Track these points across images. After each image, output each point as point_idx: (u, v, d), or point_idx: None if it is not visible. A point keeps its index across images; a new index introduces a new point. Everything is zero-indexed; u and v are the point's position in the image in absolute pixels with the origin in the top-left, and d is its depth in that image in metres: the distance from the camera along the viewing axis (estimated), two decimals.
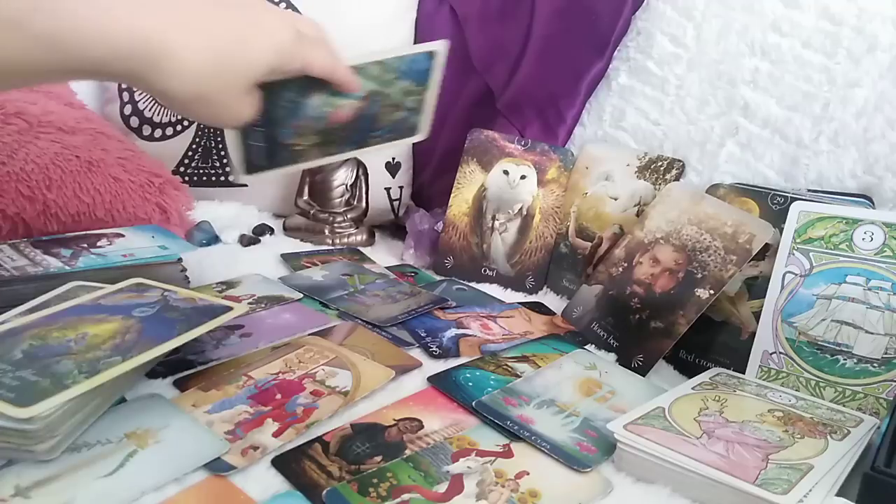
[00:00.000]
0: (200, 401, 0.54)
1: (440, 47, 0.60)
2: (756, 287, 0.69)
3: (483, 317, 0.76)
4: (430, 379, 0.61)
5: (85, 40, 0.39)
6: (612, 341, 0.72)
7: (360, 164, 1.01)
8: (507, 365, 0.64)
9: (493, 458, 0.50)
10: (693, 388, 0.60)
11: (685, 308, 0.68)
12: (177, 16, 0.42)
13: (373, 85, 0.58)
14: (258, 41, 0.46)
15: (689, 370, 0.70)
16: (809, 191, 0.75)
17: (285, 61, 0.48)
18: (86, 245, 0.71)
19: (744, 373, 0.66)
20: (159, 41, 0.41)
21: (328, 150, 0.61)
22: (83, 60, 0.39)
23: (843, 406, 0.59)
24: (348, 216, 1.00)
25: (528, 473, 0.49)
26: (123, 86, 1.04)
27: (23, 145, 0.77)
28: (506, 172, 0.91)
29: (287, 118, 0.56)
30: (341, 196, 1.00)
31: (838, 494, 0.46)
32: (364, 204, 1.02)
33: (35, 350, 0.49)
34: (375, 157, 1.04)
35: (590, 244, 0.87)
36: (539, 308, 0.83)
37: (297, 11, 1.01)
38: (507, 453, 0.51)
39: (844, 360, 0.61)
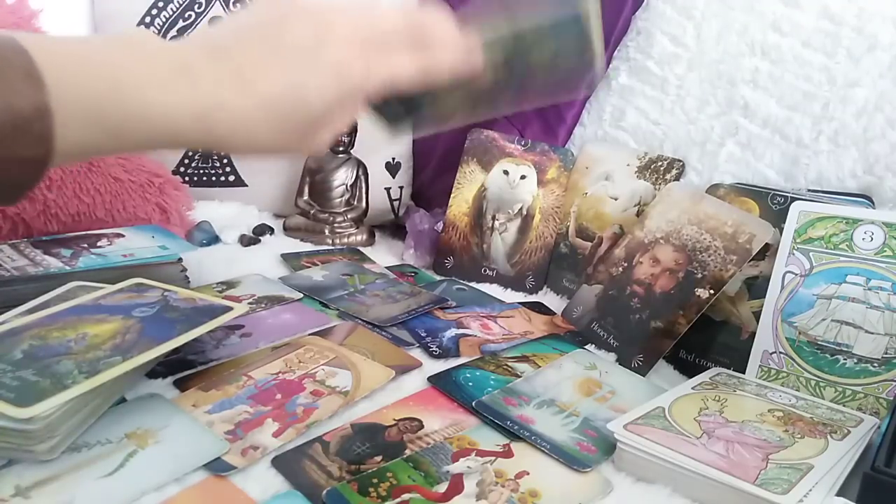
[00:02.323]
0: (200, 401, 0.54)
1: (588, 4, 0.49)
2: (756, 287, 0.69)
3: (483, 317, 0.76)
4: (430, 379, 0.61)
5: (152, 122, 0.39)
6: (612, 341, 0.72)
7: (360, 164, 1.01)
8: (507, 365, 0.64)
9: (493, 458, 0.50)
10: (693, 388, 0.60)
11: (685, 308, 0.68)
12: (233, 81, 0.41)
13: (507, 53, 0.49)
14: (315, 82, 0.43)
15: (689, 370, 0.70)
16: (809, 191, 0.75)
17: (358, 90, 0.44)
18: (86, 245, 0.71)
19: (744, 373, 0.66)
20: (218, 110, 0.40)
21: (477, 109, 0.53)
22: (155, 140, 0.40)
23: (843, 406, 0.59)
24: (348, 216, 1.00)
25: (528, 473, 0.49)
26: None
27: None
28: (506, 172, 0.91)
29: (417, 104, 0.49)
30: (341, 196, 1.00)
31: (838, 494, 0.46)
32: (364, 204, 1.02)
33: (35, 350, 0.49)
34: (375, 157, 1.04)
35: (590, 244, 0.87)
36: (539, 308, 0.83)
37: None
38: (507, 453, 0.51)
39: (844, 359, 0.61)
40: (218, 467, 0.47)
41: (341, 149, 0.98)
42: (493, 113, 0.55)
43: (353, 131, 0.96)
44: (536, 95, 0.53)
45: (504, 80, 0.50)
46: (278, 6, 0.44)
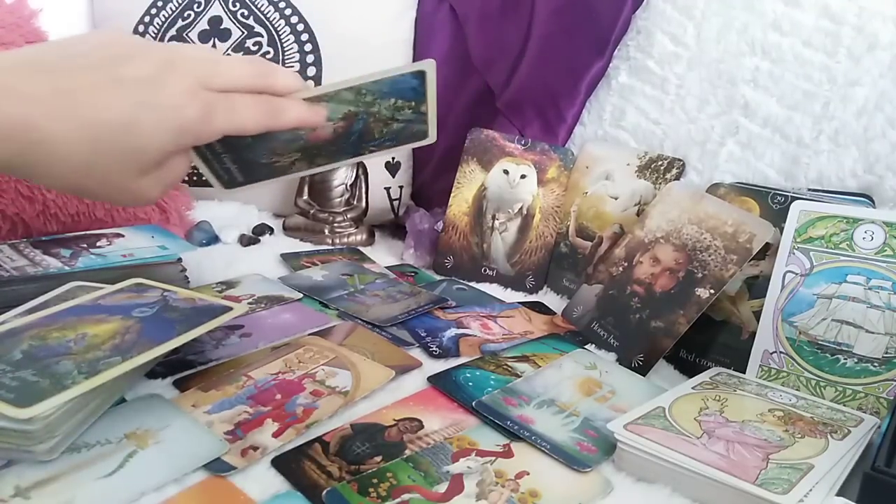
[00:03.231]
0: (200, 401, 0.54)
1: (428, 67, 0.50)
2: (756, 286, 0.69)
3: (483, 316, 0.76)
4: (430, 379, 0.61)
5: None
6: (612, 341, 0.72)
7: (359, 164, 1.01)
8: (507, 365, 0.64)
9: (493, 458, 0.50)
10: (693, 388, 0.60)
11: (685, 308, 0.68)
12: (53, 101, 0.37)
13: (350, 107, 0.50)
14: (149, 123, 0.39)
15: (689, 370, 0.70)
16: (810, 190, 0.75)
17: (196, 136, 0.42)
18: (85, 245, 0.71)
19: (744, 372, 0.65)
20: (30, 130, 0.36)
21: (316, 161, 0.54)
22: None
23: (844, 405, 0.59)
24: (348, 216, 1.00)
25: (528, 473, 0.49)
26: None
27: None
28: (506, 172, 0.91)
29: (254, 147, 0.49)
30: (341, 196, 1.00)
31: (838, 494, 0.46)
32: (364, 204, 1.02)
33: (35, 350, 0.49)
34: (374, 159, 1.03)
35: (590, 244, 0.87)
36: (539, 308, 0.83)
37: (298, 12, 1.02)
38: (507, 453, 0.51)
39: (845, 359, 0.61)
40: (218, 467, 0.47)
41: None
42: (332, 165, 0.56)
43: None
44: (375, 149, 0.55)
45: (344, 134, 0.51)
46: (120, 39, 0.41)
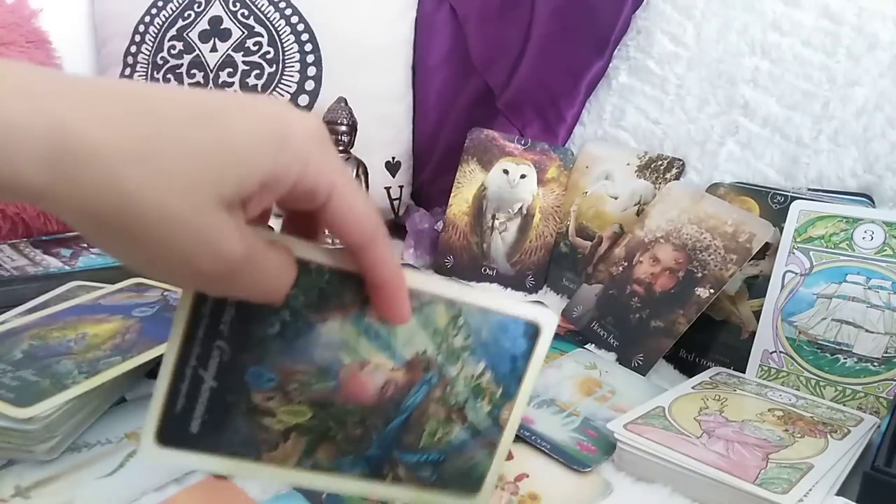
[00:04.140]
0: None
1: (547, 320, 0.36)
2: (756, 286, 0.69)
3: None
4: None
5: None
6: (612, 340, 0.72)
7: (359, 164, 1.01)
8: None
9: None
10: (693, 388, 0.60)
11: (685, 307, 0.68)
12: (90, 100, 0.25)
13: (429, 344, 0.34)
14: (253, 133, 0.27)
15: (689, 369, 0.70)
16: (810, 190, 0.75)
17: (293, 167, 0.27)
18: (86, 245, 0.71)
19: (744, 372, 0.65)
20: (77, 132, 0.24)
21: (315, 455, 0.34)
22: None
23: (844, 405, 0.59)
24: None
25: (527, 476, 0.49)
26: None
27: None
28: (506, 172, 0.91)
29: (274, 344, 0.31)
30: None
31: (838, 494, 0.46)
32: None
33: (35, 350, 0.49)
34: (375, 156, 1.04)
35: (590, 243, 0.87)
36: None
37: (298, 11, 1.02)
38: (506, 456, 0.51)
39: (845, 359, 0.61)
40: None
41: (341, 148, 0.98)
42: (326, 482, 0.36)
43: (352, 130, 0.96)
44: (405, 471, 0.36)
45: (388, 406, 0.34)
46: None
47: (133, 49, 1.02)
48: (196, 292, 0.30)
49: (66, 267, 0.65)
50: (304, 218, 0.32)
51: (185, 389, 0.31)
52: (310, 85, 1.01)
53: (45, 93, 0.24)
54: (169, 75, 1.01)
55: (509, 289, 0.89)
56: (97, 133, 0.24)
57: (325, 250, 0.31)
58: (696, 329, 0.67)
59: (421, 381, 0.34)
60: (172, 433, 0.31)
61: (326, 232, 0.33)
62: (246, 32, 1.01)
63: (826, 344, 0.62)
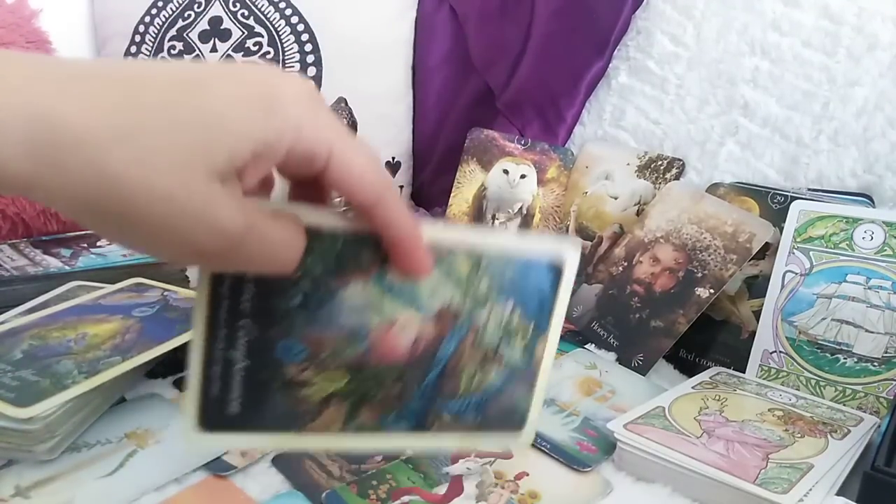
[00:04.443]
0: None
1: (570, 251, 0.35)
2: (756, 286, 0.69)
3: None
4: None
5: None
6: (612, 340, 0.72)
7: None
8: None
9: (492, 459, 0.50)
10: (693, 388, 0.60)
11: (685, 307, 0.68)
12: (74, 83, 0.24)
13: (455, 292, 0.33)
14: (241, 96, 0.26)
15: (689, 369, 0.70)
16: (809, 190, 0.75)
17: (286, 131, 0.26)
18: (86, 245, 0.71)
19: (744, 372, 0.65)
20: (58, 119, 0.23)
21: (358, 417, 0.33)
22: None
23: (844, 405, 0.59)
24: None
25: (527, 474, 0.49)
26: None
27: None
28: (506, 172, 0.91)
29: (299, 315, 0.31)
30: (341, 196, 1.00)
31: (838, 494, 0.46)
32: None
33: (35, 350, 0.49)
34: None
35: (590, 243, 0.87)
36: None
37: (298, 11, 1.02)
38: (506, 454, 0.51)
39: (845, 359, 0.61)
40: (218, 467, 0.46)
41: None
42: (372, 441, 0.36)
43: (352, 130, 0.96)
44: (450, 417, 0.36)
45: (423, 359, 0.34)
46: None
47: (133, 49, 1.02)
48: (212, 274, 0.29)
49: (66, 267, 0.65)
50: (310, 184, 0.31)
51: (218, 373, 0.30)
52: None
53: (22, 80, 0.23)
54: None
55: None
56: (78, 117, 0.23)
57: (335, 214, 0.31)
58: (696, 329, 0.67)
59: (451, 330, 0.34)
60: (213, 417, 0.31)
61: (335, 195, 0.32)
62: (246, 33, 1.01)
63: (826, 344, 0.62)
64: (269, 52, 1.01)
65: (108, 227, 0.25)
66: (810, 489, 0.45)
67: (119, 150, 0.23)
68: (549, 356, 0.37)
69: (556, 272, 0.35)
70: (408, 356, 0.33)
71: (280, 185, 0.33)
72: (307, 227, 0.29)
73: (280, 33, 1.01)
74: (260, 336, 0.30)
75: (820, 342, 0.63)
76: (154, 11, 1.02)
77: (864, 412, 0.58)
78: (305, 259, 0.29)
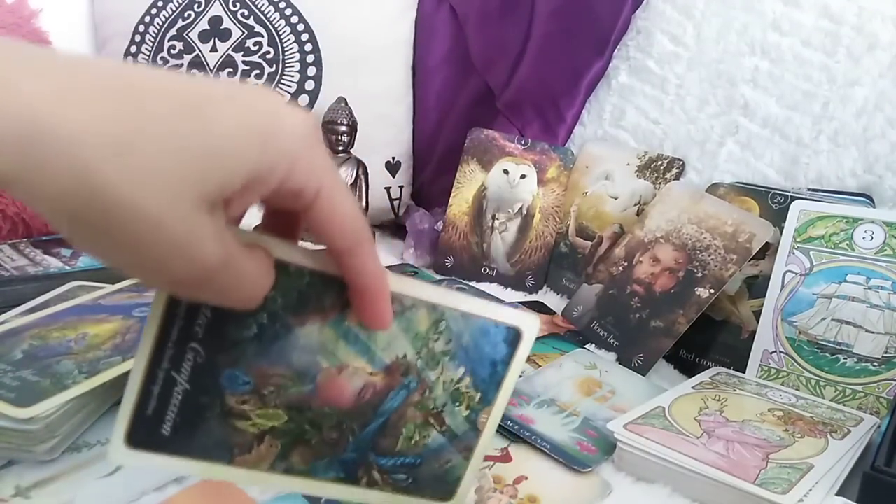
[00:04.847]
0: None
1: (529, 325, 0.35)
2: (756, 286, 0.69)
3: None
4: None
5: None
6: (612, 340, 0.72)
7: (360, 164, 1.01)
8: None
9: (491, 464, 0.50)
10: (693, 388, 0.60)
11: (685, 307, 0.68)
12: (69, 88, 0.23)
13: (409, 348, 0.33)
14: (240, 125, 0.25)
15: (689, 369, 0.70)
16: (810, 190, 0.75)
17: (279, 166, 0.26)
18: None
19: (744, 372, 0.66)
20: (49, 119, 0.22)
21: (289, 458, 0.33)
22: None
23: (844, 405, 0.59)
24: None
25: (526, 478, 0.49)
26: None
27: None
28: (506, 172, 0.91)
29: (250, 347, 0.31)
30: None
31: (838, 494, 0.46)
32: (364, 203, 1.02)
33: (35, 350, 0.49)
34: (375, 156, 1.04)
35: (590, 243, 0.87)
36: (539, 307, 0.83)
37: (298, 11, 1.02)
38: (505, 458, 0.51)
39: (845, 359, 0.61)
40: None
41: (341, 148, 0.98)
42: (302, 485, 0.35)
43: (353, 130, 0.96)
44: (379, 476, 0.36)
45: (366, 409, 0.34)
46: None
47: (133, 49, 1.02)
48: (169, 294, 0.29)
49: (66, 267, 0.65)
50: (285, 216, 0.31)
51: (157, 391, 0.30)
52: (310, 85, 1.01)
53: (18, 74, 0.22)
54: None
55: (509, 289, 0.89)
56: (71, 121, 0.22)
57: (305, 251, 0.30)
58: (696, 329, 0.67)
59: (399, 385, 0.34)
60: (143, 435, 0.30)
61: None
62: (246, 32, 1.01)
63: (826, 344, 0.62)
64: (269, 52, 1.01)
65: (83, 237, 0.24)
66: (810, 489, 0.45)
67: (110, 161, 0.22)
68: (490, 429, 0.36)
69: (513, 344, 0.35)
70: (352, 403, 0.33)
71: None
72: (276, 261, 0.29)
73: (280, 33, 1.01)
74: (207, 362, 0.30)
75: (820, 342, 0.63)
76: (154, 11, 1.02)
77: (864, 412, 0.58)
78: (268, 292, 0.29)
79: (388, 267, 0.90)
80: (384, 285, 0.31)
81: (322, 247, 0.29)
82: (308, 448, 0.33)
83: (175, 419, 0.30)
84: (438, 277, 0.90)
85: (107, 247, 0.24)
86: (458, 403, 0.35)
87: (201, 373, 0.30)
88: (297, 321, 0.31)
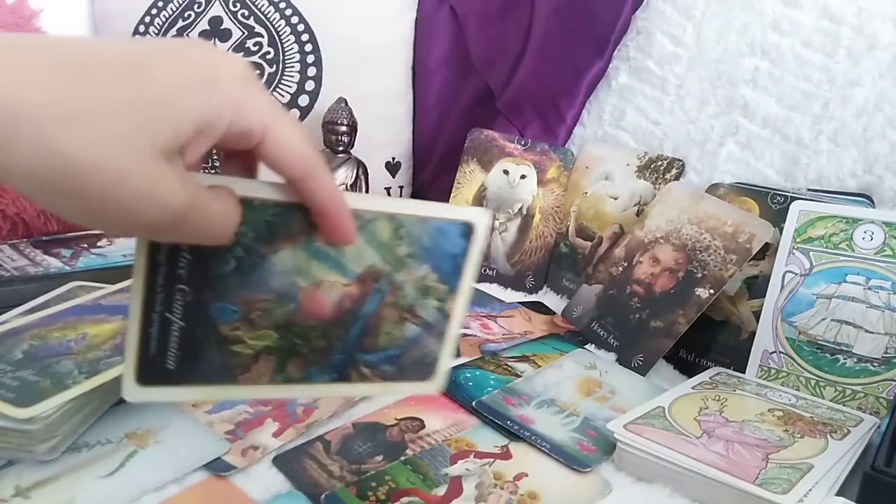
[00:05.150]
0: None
1: (480, 218, 0.39)
2: (756, 286, 0.69)
3: (483, 316, 0.76)
4: None
5: None
6: (612, 341, 0.72)
7: (360, 164, 1.01)
8: (507, 364, 0.64)
9: (491, 460, 0.50)
10: (693, 388, 0.60)
11: (685, 307, 0.68)
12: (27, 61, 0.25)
13: (376, 257, 0.37)
14: (181, 74, 0.28)
15: (689, 370, 0.70)
16: (809, 190, 0.75)
17: (225, 110, 0.28)
18: (86, 245, 0.71)
19: (744, 372, 0.66)
20: (10, 97, 0.24)
21: (286, 370, 0.37)
22: None
23: (843, 405, 0.59)
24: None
25: (526, 475, 0.49)
26: None
27: None
28: (506, 172, 0.91)
29: (232, 279, 0.33)
30: None
31: (838, 494, 0.46)
32: None
33: (35, 350, 0.49)
34: (375, 156, 1.04)
35: (590, 244, 0.87)
36: (539, 308, 0.83)
37: (298, 11, 1.02)
38: (505, 455, 0.51)
39: (844, 359, 0.61)
40: (218, 467, 0.47)
41: (341, 148, 0.98)
42: (301, 388, 0.39)
43: (353, 131, 0.96)
44: (368, 370, 0.40)
45: (347, 316, 0.37)
46: None
47: None
48: (150, 243, 0.31)
49: (66, 267, 0.65)
50: (241, 156, 0.33)
51: (155, 333, 0.33)
52: (310, 85, 1.01)
53: None
54: None
55: (509, 289, 0.89)
56: (30, 96, 0.24)
57: (266, 185, 0.33)
58: (695, 329, 0.67)
59: (373, 290, 0.37)
60: (151, 373, 0.33)
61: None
62: (246, 33, 1.01)
63: (826, 344, 0.62)
64: (269, 52, 1.01)
65: (57, 202, 0.26)
66: (810, 489, 0.45)
67: (69, 129, 0.25)
68: (458, 312, 0.40)
69: (468, 237, 0.39)
70: (333, 313, 0.37)
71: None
72: (241, 198, 0.31)
73: (280, 33, 1.01)
74: (195, 299, 0.33)
75: (820, 342, 0.63)
76: (154, 11, 1.02)
77: (864, 412, 0.58)
78: (238, 227, 0.32)
79: None
80: (343, 204, 0.33)
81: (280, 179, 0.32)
82: (301, 358, 0.37)
83: (177, 354, 0.34)
84: None
85: (79, 206, 0.26)
86: (427, 296, 0.39)
87: (192, 309, 0.33)
88: (270, 249, 0.34)
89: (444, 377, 0.42)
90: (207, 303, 0.34)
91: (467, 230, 0.38)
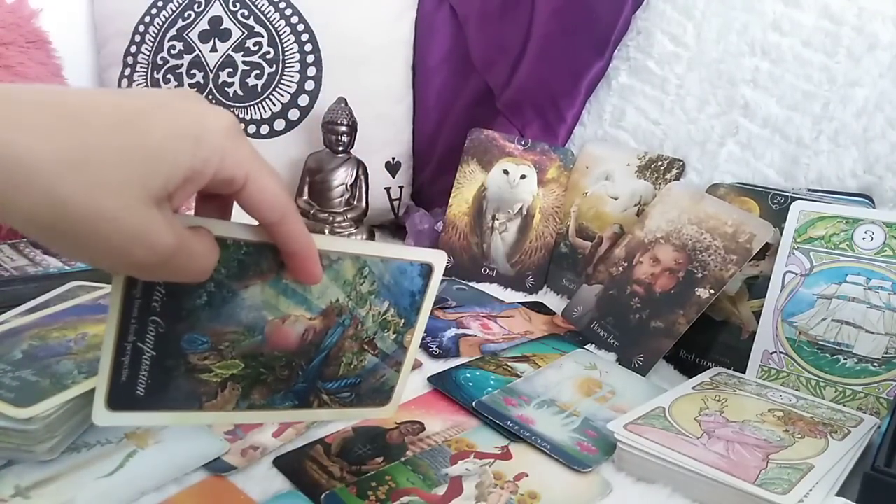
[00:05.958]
0: None
1: (438, 260, 0.42)
2: (756, 287, 0.69)
3: (483, 316, 0.76)
4: (430, 379, 0.60)
5: None
6: (612, 341, 0.72)
7: (359, 164, 1.01)
8: (507, 365, 0.64)
9: (491, 461, 0.50)
10: (693, 388, 0.60)
11: (685, 308, 0.68)
12: (34, 109, 0.27)
13: (340, 293, 0.39)
14: (173, 129, 0.30)
15: (689, 370, 0.70)
16: (810, 190, 0.75)
17: (211, 160, 0.30)
18: None
19: (744, 372, 0.65)
20: (15, 148, 0.26)
21: (250, 397, 0.39)
22: None
23: (844, 406, 0.59)
24: (348, 216, 1.00)
25: (527, 475, 0.49)
26: (124, 83, 1.04)
27: None
28: (506, 172, 0.91)
29: (203, 312, 0.36)
30: (341, 196, 1.00)
31: (838, 494, 0.46)
32: (364, 204, 1.02)
33: (35, 350, 0.49)
34: (375, 156, 1.04)
35: (590, 244, 0.87)
36: (539, 308, 0.83)
37: (298, 11, 1.02)
38: (505, 455, 0.51)
39: (845, 359, 0.61)
40: (218, 467, 0.47)
41: (341, 148, 0.98)
42: (263, 415, 0.42)
43: (352, 131, 0.96)
44: (328, 398, 0.43)
45: (310, 348, 0.40)
46: None
47: (133, 49, 1.02)
48: (126, 277, 0.34)
49: (66, 267, 0.65)
50: (217, 199, 0.36)
51: (127, 362, 0.35)
52: (310, 85, 1.01)
53: None
54: (169, 75, 1.01)
55: (509, 289, 0.89)
56: (33, 147, 0.26)
57: (240, 226, 0.35)
58: (696, 329, 0.67)
59: (336, 324, 0.40)
60: (121, 399, 0.36)
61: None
62: (246, 33, 1.01)
63: (826, 344, 0.62)
64: (269, 53, 1.01)
65: (56, 243, 0.29)
66: (810, 490, 0.45)
67: (69, 178, 0.27)
68: (414, 345, 0.44)
69: (426, 276, 0.42)
70: (297, 345, 0.40)
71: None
72: (217, 238, 0.34)
73: (280, 33, 1.01)
74: (167, 330, 0.35)
75: (820, 343, 0.63)
76: (154, 11, 1.02)
77: (865, 413, 0.58)
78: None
79: None
80: (312, 246, 0.36)
81: (254, 221, 0.35)
82: (265, 386, 0.40)
83: (147, 381, 0.36)
84: None
85: (75, 246, 0.29)
86: (386, 330, 0.42)
87: (164, 340, 0.35)
88: (241, 285, 0.36)
89: (398, 402, 0.46)
90: (179, 334, 0.36)
91: (427, 270, 0.42)
